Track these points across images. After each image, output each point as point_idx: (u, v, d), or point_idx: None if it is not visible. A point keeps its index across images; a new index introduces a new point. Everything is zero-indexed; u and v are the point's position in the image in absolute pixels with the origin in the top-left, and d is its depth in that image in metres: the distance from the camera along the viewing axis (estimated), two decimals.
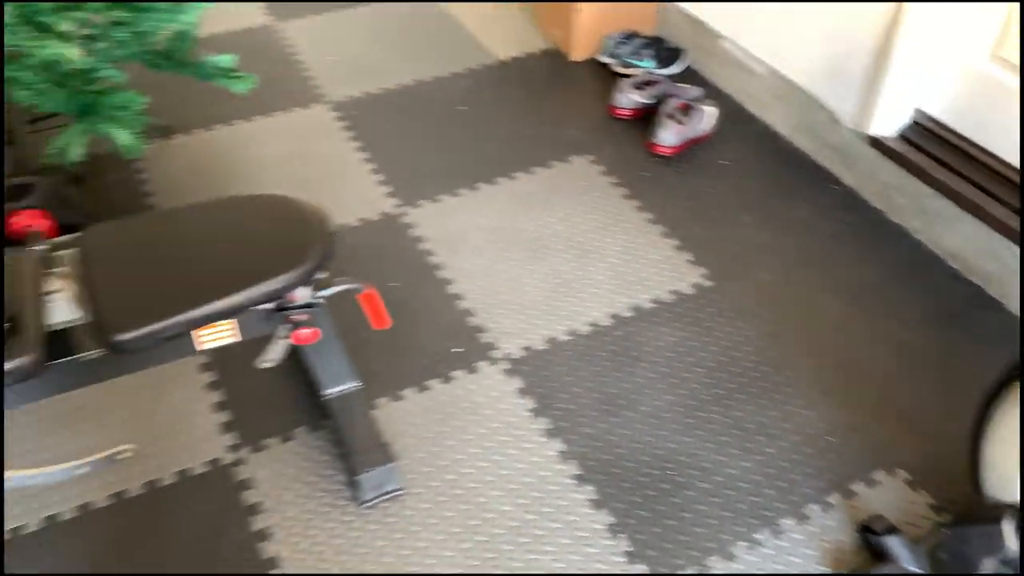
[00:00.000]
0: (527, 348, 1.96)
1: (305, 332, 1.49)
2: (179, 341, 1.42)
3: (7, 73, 1.93)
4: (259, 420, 1.79)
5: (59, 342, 1.33)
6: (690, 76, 2.84)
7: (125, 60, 2.04)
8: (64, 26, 1.86)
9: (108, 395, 1.82)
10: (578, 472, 1.71)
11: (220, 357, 1.91)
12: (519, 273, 2.15)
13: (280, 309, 1.50)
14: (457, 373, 1.90)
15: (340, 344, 1.70)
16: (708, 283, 2.13)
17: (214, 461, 1.71)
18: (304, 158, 2.50)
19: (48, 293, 1.36)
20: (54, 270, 1.40)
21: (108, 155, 2.36)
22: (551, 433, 1.78)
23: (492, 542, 1.59)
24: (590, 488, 1.68)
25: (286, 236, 1.44)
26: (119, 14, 1.94)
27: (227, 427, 1.78)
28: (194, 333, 1.42)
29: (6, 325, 1.23)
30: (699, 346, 1.97)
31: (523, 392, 1.86)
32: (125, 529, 1.59)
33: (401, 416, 1.81)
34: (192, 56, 2.14)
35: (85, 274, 1.39)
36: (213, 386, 1.86)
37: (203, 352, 1.48)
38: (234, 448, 1.74)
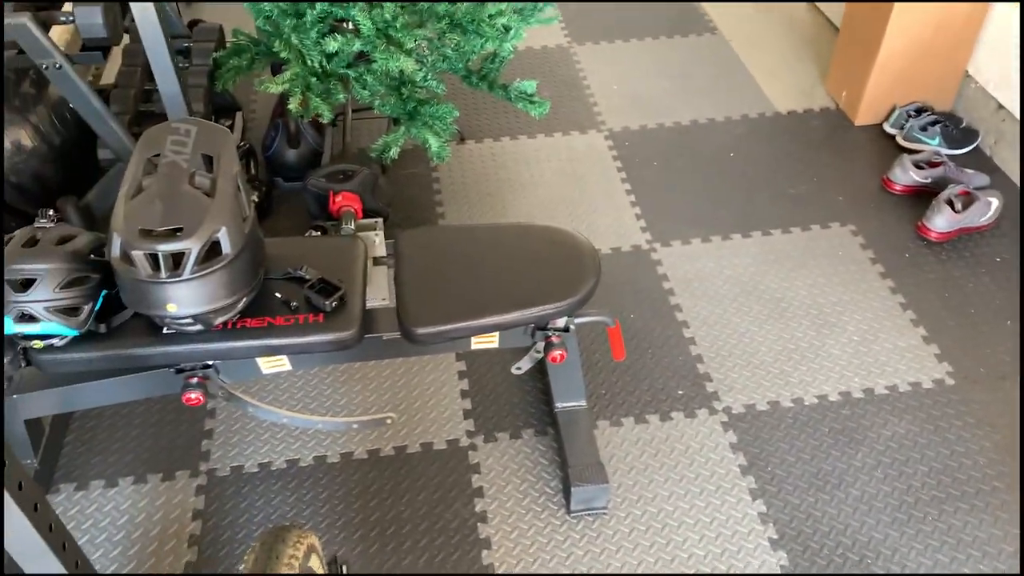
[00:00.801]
0: (749, 406, 2.04)
1: (557, 352, 1.69)
2: (459, 341, 1.68)
3: (355, 74, 2.31)
4: (496, 414, 2.03)
5: (368, 320, 1.63)
6: (977, 157, 2.71)
7: (445, 71, 2.35)
8: (410, 43, 2.19)
9: (379, 366, 2.15)
10: (775, 536, 1.78)
11: (473, 353, 2.17)
12: (755, 330, 2.22)
13: (539, 328, 1.71)
14: (676, 414, 2.02)
15: (579, 366, 1.88)
16: (951, 381, 2.08)
17: (453, 441, 1.98)
18: (574, 180, 2.71)
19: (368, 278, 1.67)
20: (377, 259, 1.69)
21: (410, 149, 2.72)
22: (755, 493, 1.86)
23: None
24: (783, 555, 1.75)
25: (565, 268, 1.65)
26: (452, 37, 2.25)
27: (468, 414, 2.04)
28: (472, 337, 1.67)
29: (337, 296, 1.53)
30: (927, 443, 1.94)
31: (736, 447, 1.95)
32: (373, 480, 1.90)
33: (617, 442, 1.97)
34: (501, 77, 2.42)
35: (397, 268, 1.68)
36: (463, 375, 2.13)
37: (470, 350, 1.73)
38: (471, 434, 1.99)
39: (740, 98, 3.04)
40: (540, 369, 2.12)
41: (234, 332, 1.51)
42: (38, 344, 1.45)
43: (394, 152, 2.32)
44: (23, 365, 1.49)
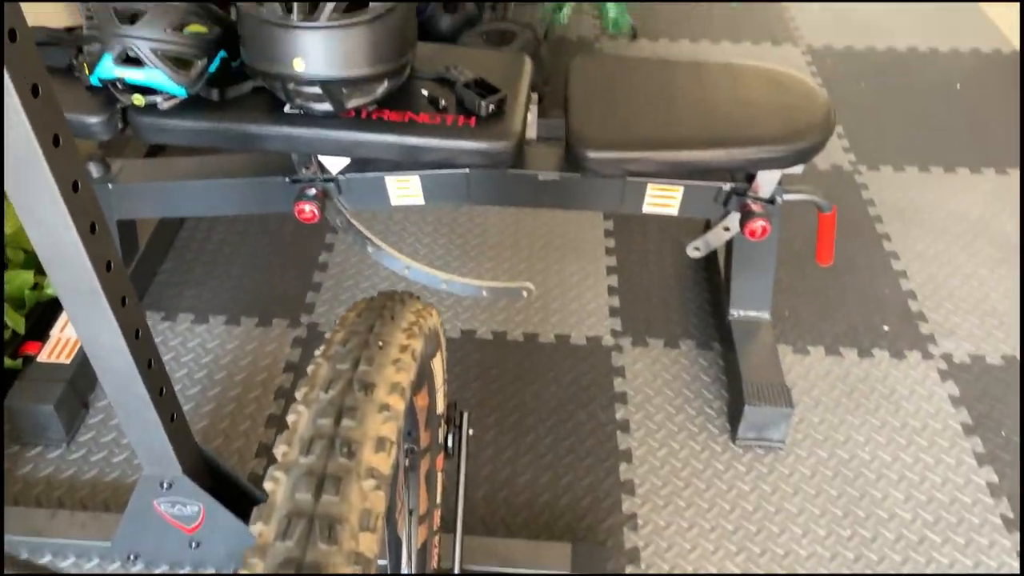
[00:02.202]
0: (975, 356, 1.60)
1: (757, 224, 1.31)
2: (631, 189, 1.33)
3: None
4: (648, 317, 1.67)
5: (523, 152, 1.31)
6: None
7: None
8: None
9: (521, 238, 1.83)
10: (1008, 514, 1.34)
11: (626, 245, 1.82)
12: (984, 274, 1.77)
13: (737, 193, 1.34)
14: (879, 352, 1.61)
15: (773, 263, 1.50)
16: None
17: (595, 339, 1.63)
18: None
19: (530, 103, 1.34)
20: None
21: (574, 39, 2.40)
22: (982, 459, 1.42)
23: (877, 542, 1.30)
24: (1018, 537, 1.31)
25: (786, 112, 1.27)
26: None
27: (614, 312, 1.69)
28: (650, 184, 1.32)
29: (496, 99, 1.21)
30: None
31: (957, 402, 1.51)
32: (497, 363, 1.58)
33: (801, 371, 1.57)
34: None
35: (568, 92, 1.35)
36: (612, 271, 1.78)
37: (641, 213, 1.38)
38: (616, 334, 1.64)
39: (969, 30, 2.56)
40: (708, 275, 1.74)
41: (368, 122, 1.21)
42: (139, 100, 1.19)
43: (565, 14, 2.00)
44: (120, 128, 1.24)
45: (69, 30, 1.34)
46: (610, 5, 1.97)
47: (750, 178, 1.33)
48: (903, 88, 2.32)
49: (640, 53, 2.47)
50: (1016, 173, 2.02)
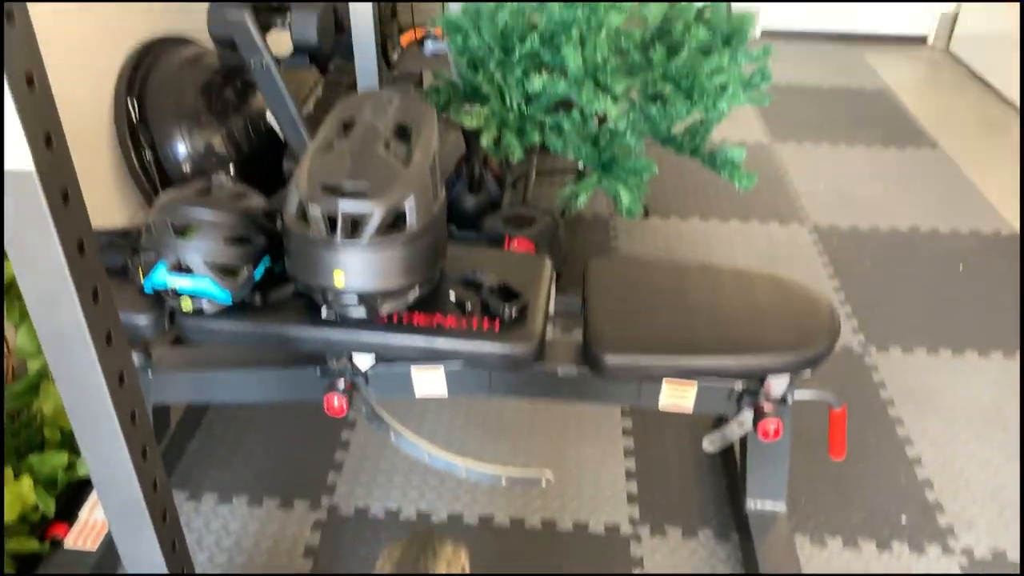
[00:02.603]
0: (997, 552, 1.59)
1: (770, 426, 1.36)
2: (647, 387, 1.38)
3: (551, 120, 2.17)
4: (666, 503, 1.68)
5: (545, 350, 1.38)
6: None
7: (646, 134, 2.17)
8: (618, 88, 2.03)
9: (538, 421, 1.87)
10: None
11: (642, 427, 1.86)
12: (1000, 463, 1.78)
13: (749, 392, 1.39)
14: (898, 545, 1.60)
15: (787, 457, 1.53)
16: None
17: (613, 528, 1.64)
18: (772, 269, 2.40)
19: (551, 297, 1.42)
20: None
21: (589, 217, 2.54)
22: None
23: None
24: None
25: (793, 318, 1.34)
26: (664, 86, 2.07)
27: (632, 499, 1.70)
28: (665, 382, 1.37)
29: (518, 304, 1.29)
30: None
31: None
32: (514, 554, 1.58)
33: (822, 565, 1.56)
34: (706, 143, 2.21)
35: (586, 295, 1.43)
36: (629, 453, 1.80)
37: (657, 408, 1.43)
38: (635, 522, 1.65)
39: (969, 213, 2.68)
40: (724, 460, 1.77)
41: (399, 326, 1.29)
42: (187, 306, 1.29)
43: (582, 200, 2.12)
44: (167, 328, 1.33)
45: (125, 233, 1.46)
46: (623, 194, 2.10)
47: (761, 380, 1.38)
48: (908, 268, 2.41)
49: (653, 231, 2.60)
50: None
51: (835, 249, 2.50)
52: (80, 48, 1.95)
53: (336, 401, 1.40)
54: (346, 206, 1.17)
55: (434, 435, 1.83)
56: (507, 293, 1.34)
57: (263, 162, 2.29)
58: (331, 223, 1.19)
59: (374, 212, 1.18)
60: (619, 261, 1.52)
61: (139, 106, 2.10)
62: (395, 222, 1.22)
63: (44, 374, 1.65)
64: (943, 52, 4.02)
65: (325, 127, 1.33)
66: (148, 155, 2.10)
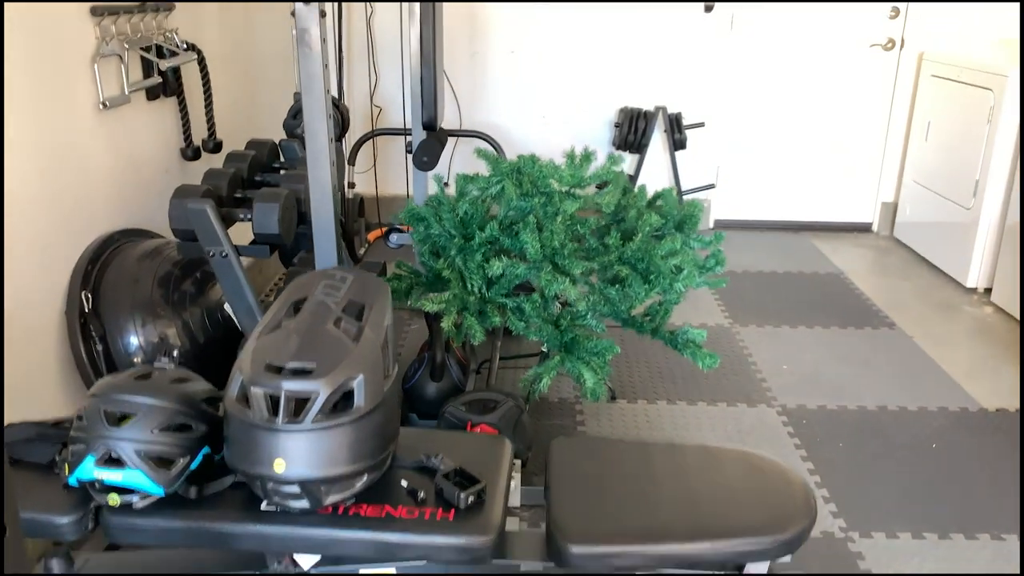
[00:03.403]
0: None
1: None
2: None
3: (512, 303, 2.18)
4: None
5: (503, 542, 1.28)
6: None
7: (607, 316, 2.18)
8: (576, 271, 2.06)
9: None
10: None
11: None
12: None
13: None
14: None
15: None
16: None
17: None
18: None
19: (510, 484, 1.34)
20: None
21: (555, 401, 2.49)
22: None
23: None
24: None
25: (767, 499, 1.26)
26: (621, 269, 2.10)
27: None
28: None
29: (475, 490, 1.21)
30: None
31: None
32: None
33: None
34: (666, 324, 2.21)
35: (548, 478, 1.35)
36: None
37: None
38: None
39: (935, 391, 2.67)
40: None
41: (345, 518, 1.19)
42: (114, 500, 1.18)
43: (545, 383, 2.08)
44: (90, 528, 1.21)
45: (57, 423, 1.37)
46: (587, 375, 2.07)
47: (739, 566, 1.28)
48: (881, 448, 2.36)
49: (620, 414, 2.54)
50: (1013, 539, 1.97)
51: (805, 430, 2.45)
52: (38, 237, 1.95)
53: None
54: (289, 386, 1.12)
55: None
56: (464, 478, 1.26)
57: (219, 353, 2.24)
58: (274, 405, 1.13)
59: (319, 392, 1.12)
60: (583, 440, 1.44)
61: (93, 298, 2.07)
62: (342, 403, 1.16)
63: None
64: (888, 238, 4.21)
65: (275, 306, 1.30)
66: (98, 347, 2.04)
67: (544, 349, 2.28)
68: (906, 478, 2.22)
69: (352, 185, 3.75)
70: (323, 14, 1.82)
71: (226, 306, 2.27)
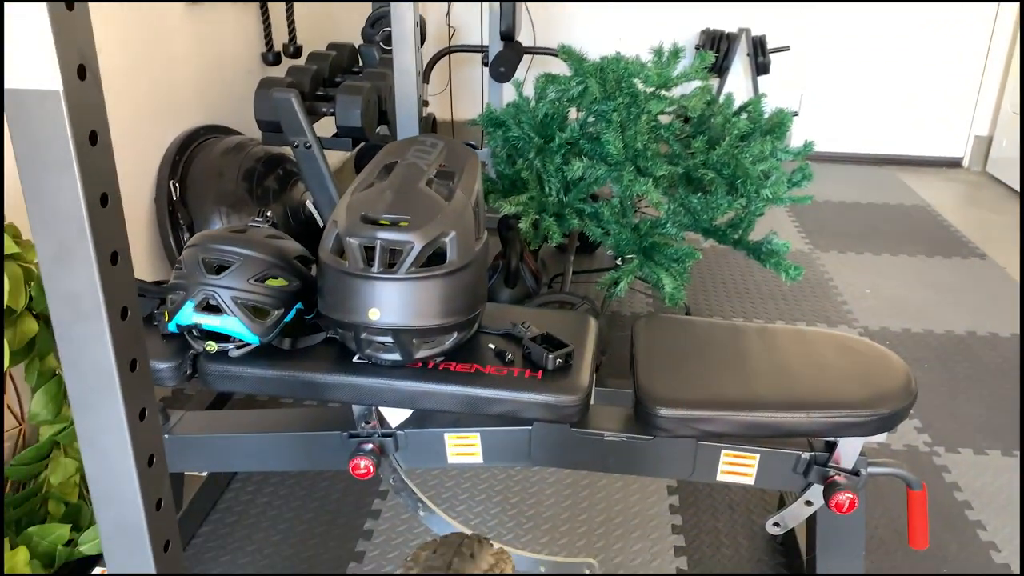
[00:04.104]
0: None
1: (843, 497, 1.21)
2: (703, 457, 1.25)
3: (590, 208, 2.14)
4: None
5: (591, 413, 1.27)
6: None
7: (688, 227, 2.12)
8: (660, 172, 2.01)
9: (579, 511, 1.72)
10: None
11: (695, 523, 1.69)
12: None
13: (819, 464, 1.26)
14: None
15: (862, 547, 1.36)
16: None
17: None
18: None
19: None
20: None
21: (626, 316, 2.46)
22: None
23: None
24: None
25: (864, 376, 1.22)
26: (711, 176, 2.04)
27: None
28: (724, 452, 1.24)
29: (563, 353, 1.20)
30: None
31: None
32: None
33: None
34: (749, 234, 2.15)
35: (634, 350, 1.33)
36: (681, 551, 1.63)
37: (715, 481, 1.29)
38: None
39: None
40: (785, 560, 1.59)
41: (435, 372, 1.19)
42: (212, 347, 1.21)
43: (622, 287, 2.05)
44: (189, 374, 1.25)
45: (157, 283, 1.41)
46: (666, 280, 2.03)
47: (830, 447, 1.25)
48: (969, 370, 2.27)
49: None
50: None
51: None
52: (128, 128, 1.99)
53: (363, 464, 1.28)
54: (384, 236, 1.12)
55: (466, 521, 1.68)
56: (551, 343, 1.25)
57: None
58: (368, 256, 1.13)
59: (414, 243, 1.12)
60: (670, 319, 1.42)
61: (181, 188, 2.12)
62: (436, 256, 1.15)
63: (56, 443, 1.56)
64: (980, 173, 4.02)
65: (367, 168, 1.29)
66: (185, 235, 2.09)
67: (618, 263, 2.25)
68: (996, 401, 2.14)
69: (426, 103, 3.73)
70: None
71: (308, 203, 2.29)
